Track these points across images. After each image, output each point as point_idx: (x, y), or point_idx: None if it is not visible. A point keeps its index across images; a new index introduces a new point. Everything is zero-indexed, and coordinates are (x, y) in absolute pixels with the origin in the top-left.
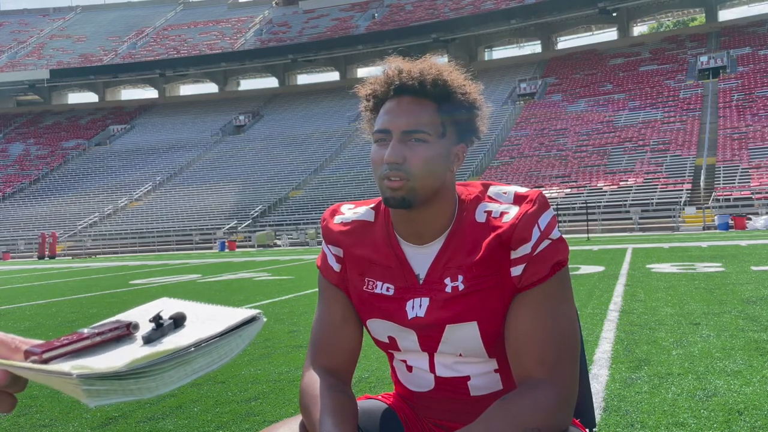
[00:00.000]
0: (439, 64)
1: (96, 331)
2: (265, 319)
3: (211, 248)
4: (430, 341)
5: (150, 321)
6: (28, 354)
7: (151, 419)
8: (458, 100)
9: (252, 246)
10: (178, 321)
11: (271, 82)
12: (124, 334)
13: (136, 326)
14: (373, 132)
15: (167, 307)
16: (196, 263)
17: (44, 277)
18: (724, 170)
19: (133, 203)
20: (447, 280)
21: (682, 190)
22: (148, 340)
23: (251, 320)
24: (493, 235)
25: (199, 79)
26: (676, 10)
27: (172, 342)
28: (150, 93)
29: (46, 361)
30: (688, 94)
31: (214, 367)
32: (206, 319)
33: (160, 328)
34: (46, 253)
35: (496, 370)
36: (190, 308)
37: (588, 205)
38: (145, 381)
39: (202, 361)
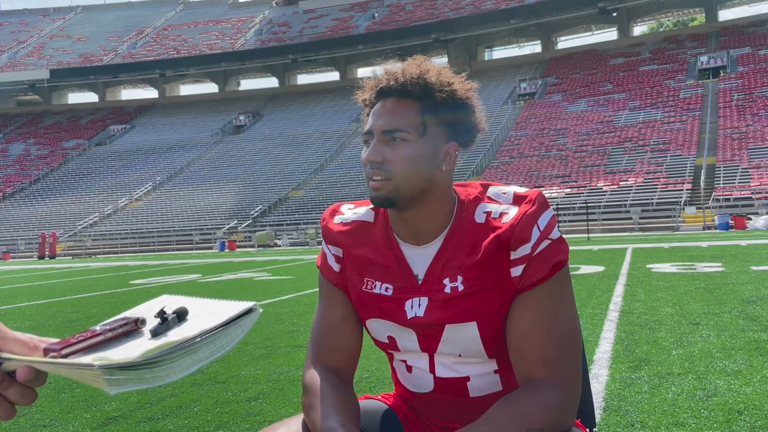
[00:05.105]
0: (426, 63)
1: (107, 327)
2: (260, 310)
3: (211, 248)
4: (429, 341)
5: (155, 316)
6: (47, 351)
7: (151, 419)
8: (440, 98)
9: (252, 246)
10: (181, 315)
11: (271, 82)
12: (133, 329)
13: (143, 321)
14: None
15: (169, 303)
16: (196, 263)
17: (44, 277)
18: (724, 170)
19: (133, 203)
20: (446, 281)
21: (682, 190)
22: (155, 333)
23: (248, 311)
24: (492, 235)
25: (199, 79)
26: (676, 10)
27: (178, 334)
28: (150, 93)
29: (65, 356)
30: (688, 94)
31: (217, 355)
32: (207, 312)
33: (165, 322)
34: (46, 253)
35: (495, 371)
36: (191, 303)
37: (588, 205)
38: (158, 370)
39: (206, 350)
